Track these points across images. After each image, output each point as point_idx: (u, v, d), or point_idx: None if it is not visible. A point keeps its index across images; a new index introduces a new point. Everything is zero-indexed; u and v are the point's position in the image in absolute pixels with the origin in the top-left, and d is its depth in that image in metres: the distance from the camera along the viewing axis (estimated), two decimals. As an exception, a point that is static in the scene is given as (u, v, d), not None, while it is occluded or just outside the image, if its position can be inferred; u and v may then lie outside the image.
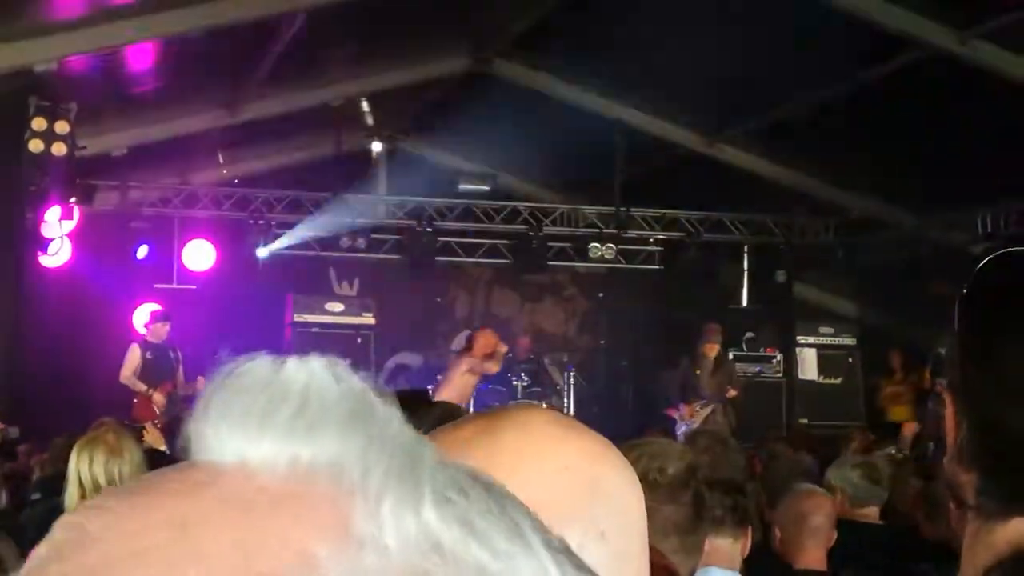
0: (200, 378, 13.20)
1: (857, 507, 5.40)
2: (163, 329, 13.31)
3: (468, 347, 11.55)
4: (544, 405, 14.44)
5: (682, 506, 2.79)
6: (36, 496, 6.21)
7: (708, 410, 13.31)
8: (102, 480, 4.44)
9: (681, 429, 12.55)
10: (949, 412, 1.34)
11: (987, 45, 10.93)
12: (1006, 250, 1.36)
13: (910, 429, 13.54)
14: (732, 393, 13.57)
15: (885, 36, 11.44)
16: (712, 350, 13.70)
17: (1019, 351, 1.24)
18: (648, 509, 3.12)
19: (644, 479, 2.73)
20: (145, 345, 13.21)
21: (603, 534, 0.95)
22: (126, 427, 5.94)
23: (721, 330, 13.96)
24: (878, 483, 5.52)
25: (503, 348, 11.97)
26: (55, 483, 6.17)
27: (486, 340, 11.70)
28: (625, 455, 3.11)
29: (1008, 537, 1.24)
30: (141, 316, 14.48)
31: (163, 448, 7.72)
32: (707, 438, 4.60)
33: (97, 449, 4.52)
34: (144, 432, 7.80)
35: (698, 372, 13.61)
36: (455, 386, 11.56)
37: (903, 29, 11.12)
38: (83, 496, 4.45)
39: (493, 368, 11.78)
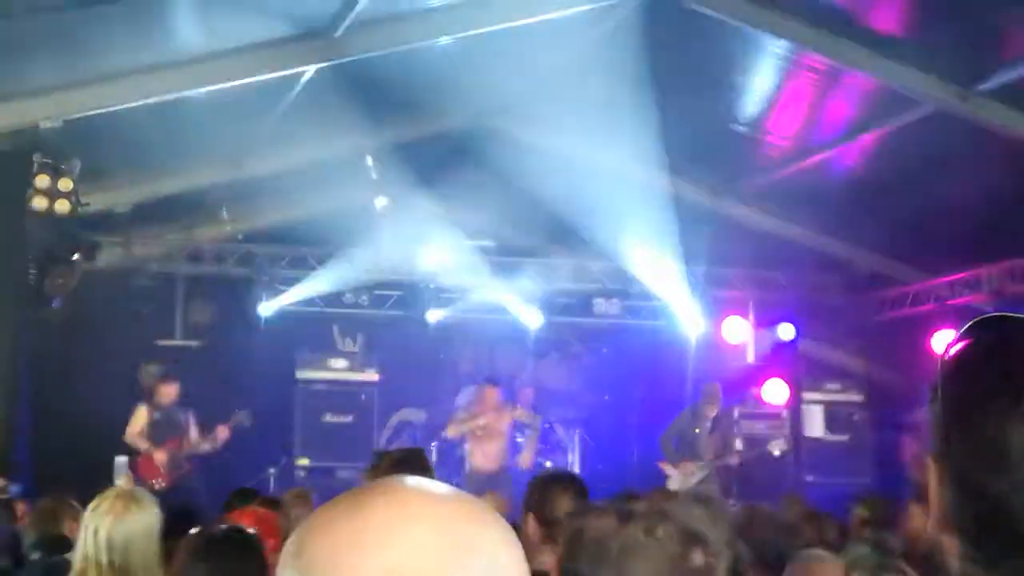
0: (201, 437, 13.18)
1: None
2: (171, 391, 13.25)
3: None
4: (548, 463, 14.35)
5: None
6: (35, 556, 6.17)
7: (704, 472, 13.18)
8: (117, 540, 4.47)
9: (673, 486, 12.44)
10: (933, 477, 1.33)
11: (990, 102, 10.95)
12: (987, 316, 1.36)
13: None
14: (733, 460, 13.49)
15: (890, 94, 11.48)
16: (712, 411, 13.58)
17: (999, 417, 1.22)
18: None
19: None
20: (153, 406, 13.17)
21: None
22: (139, 487, 5.98)
23: (719, 390, 13.83)
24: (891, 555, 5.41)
25: None
26: (53, 543, 6.14)
27: None
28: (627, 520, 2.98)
29: None
30: (146, 374, 14.47)
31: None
32: (691, 498, 4.48)
33: (108, 510, 4.55)
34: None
35: (697, 431, 13.47)
36: None
37: (905, 86, 11.16)
38: (91, 555, 4.47)
39: None
